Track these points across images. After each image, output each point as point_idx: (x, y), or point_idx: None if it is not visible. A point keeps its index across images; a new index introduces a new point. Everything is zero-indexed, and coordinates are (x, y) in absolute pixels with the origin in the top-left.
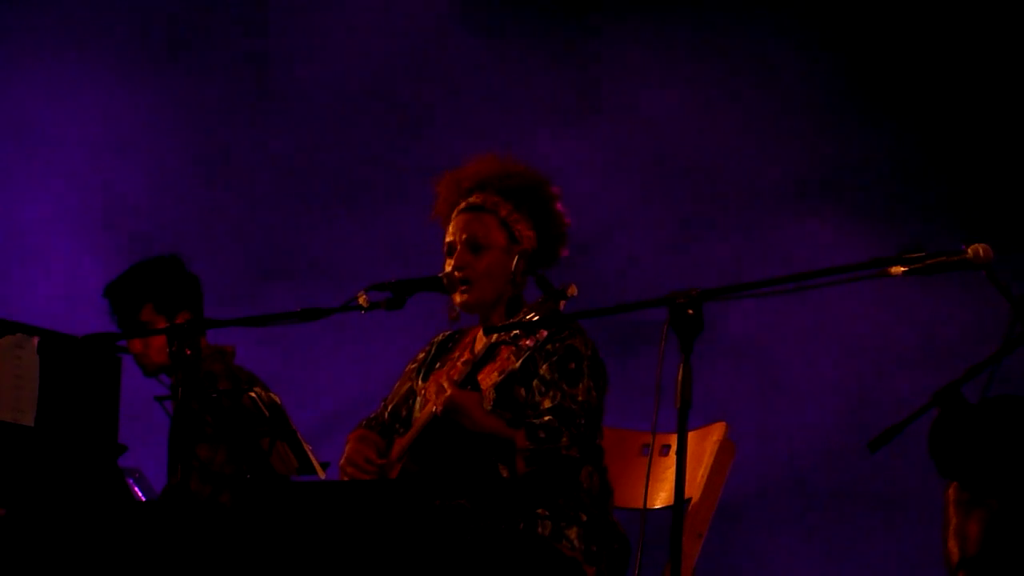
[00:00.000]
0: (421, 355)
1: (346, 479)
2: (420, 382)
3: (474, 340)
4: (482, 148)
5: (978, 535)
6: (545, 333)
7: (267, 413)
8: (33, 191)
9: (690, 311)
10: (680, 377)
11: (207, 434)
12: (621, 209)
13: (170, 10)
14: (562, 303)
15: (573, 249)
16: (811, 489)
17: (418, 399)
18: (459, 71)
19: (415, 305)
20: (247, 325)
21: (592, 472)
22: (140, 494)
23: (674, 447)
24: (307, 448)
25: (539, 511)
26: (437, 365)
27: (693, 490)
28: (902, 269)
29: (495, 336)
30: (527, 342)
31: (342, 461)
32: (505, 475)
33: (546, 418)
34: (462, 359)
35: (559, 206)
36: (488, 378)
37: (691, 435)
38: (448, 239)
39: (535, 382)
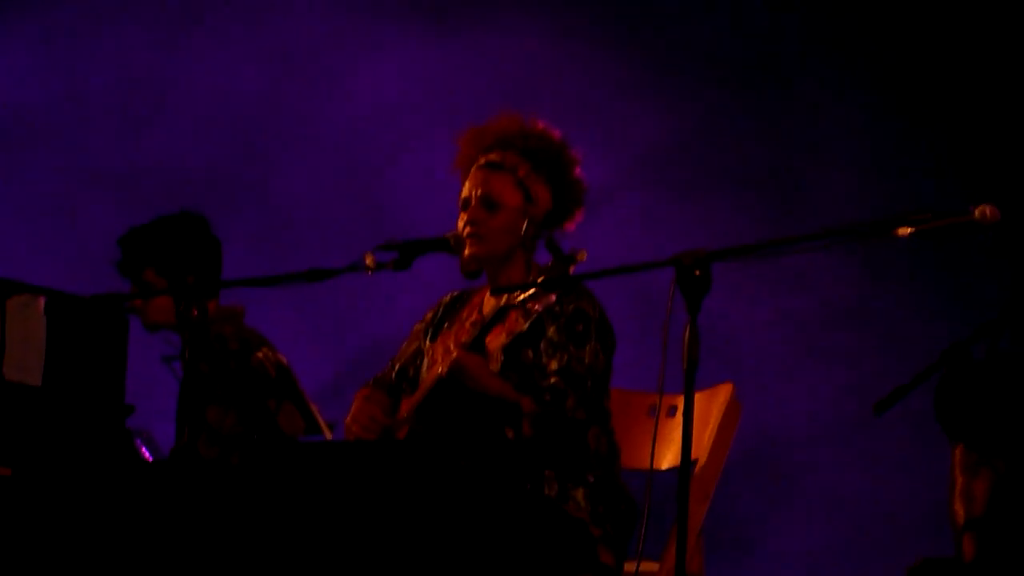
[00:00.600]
0: (429, 315)
1: (351, 437)
2: (428, 342)
3: (482, 301)
4: None
5: (984, 496)
6: (554, 297)
7: (274, 374)
8: None
9: (697, 271)
10: (687, 337)
11: (216, 396)
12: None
13: None
14: (571, 268)
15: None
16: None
17: (425, 359)
18: None
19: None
20: (253, 286)
21: (599, 434)
22: (148, 455)
23: (681, 408)
24: (314, 409)
25: (545, 472)
26: (445, 325)
27: (700, 451)
28: (909, 230)
29: (504, 298)
30: (535, 306)
31: (348, 419)
32: (511, 437)
33: (552, 380)
34: (470, 320)
35: (578, 171)
36: (496, 340)
37: (698, 396)
38: (464, 194)
39: (542, 344)
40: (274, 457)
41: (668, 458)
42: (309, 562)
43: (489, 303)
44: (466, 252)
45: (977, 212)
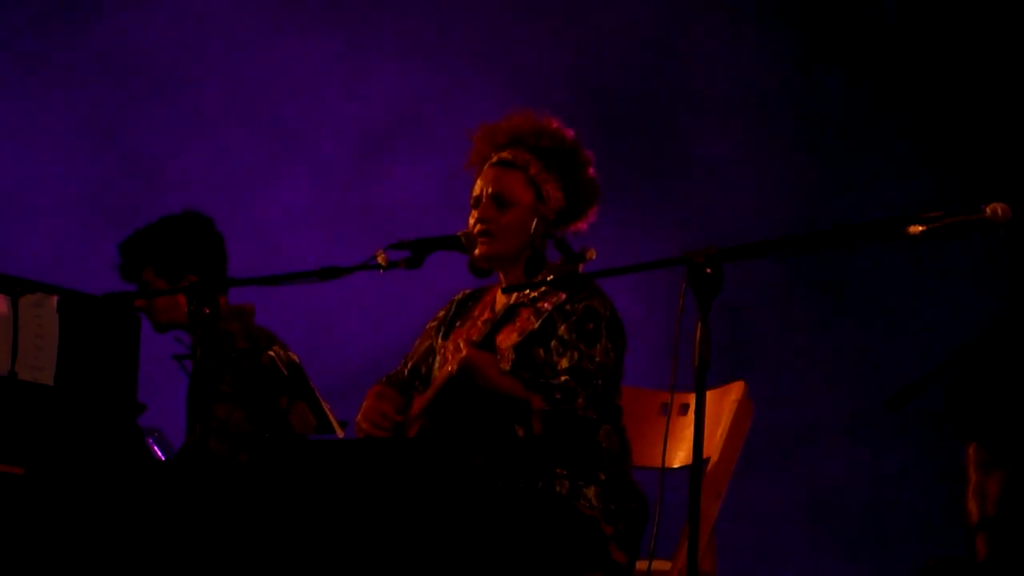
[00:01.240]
0: (441, 313)
1: (361, 435)
2: (440, 340)
3: (494, 299)
4: None
5: (997, 495)
6: (564, 295)
7: (285, 372)
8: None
9: (708, 270)
10: (698, 336)
11: (224, 393)
12: None
13: None
14: (581, 266)
15: None
16: None
17: (438, 357)
18: None
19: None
20: (264, 284)
21: (611, 431)
22: (160, 453)
23: (693, 406)
24: (325, 407)
25: (557, 470)
26: (457, 323)
27: (712, 450)
28: (920, 228)
29: (514, 296)
30: (545, 304)
31: (359, 416)
32: (521, 435)
33: (563, 379)
34: (482, 318)
35: (591, 170)
36: (507, 339)
37: (710, 394)
38: (475, 192)
39: (553, 343)
40: (283, 455)
41: (680, 456)
42: (320, 560)
43: (501, 301)
44: (476, 251)
45: (989, 210)
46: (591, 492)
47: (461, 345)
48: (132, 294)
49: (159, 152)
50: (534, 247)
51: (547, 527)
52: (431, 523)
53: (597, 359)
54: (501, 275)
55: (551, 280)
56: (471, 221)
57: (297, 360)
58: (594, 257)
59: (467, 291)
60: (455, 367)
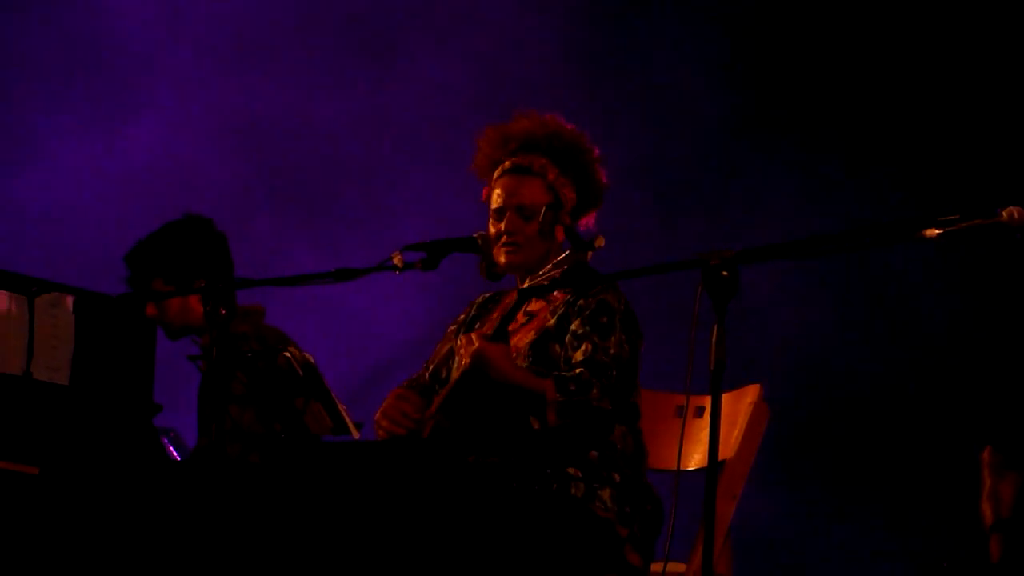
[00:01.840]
0: (462, 316)
1: (380, 433)
2: (459, 340)
3: (512, 301)
4: None
5: (1012, 498)
6: (570, 290)
7: (301, 373)
8: None
9: (724, 273)
10: (714, 339)
11: (236, 394)
12: None
13: None
14: (589, 254)
15: None
16: None
17: (456, 359)
18: None
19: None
20: (279, 285)
21: (626, 433)
22: (175, 453)
23: (708, 409)
24: (341, 408)
25: (571, 471)
26: (477, 326)
27: (727, 452)
28: (936, 232)
29: (527, 281)
30: (556, 295)
31: (377, 415)
32: (536, 427)
33: (577, 371)
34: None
35: (599, 166)
36: (524, 337)
37: (725, 397)
38: (496, 204)
39: (567, 337)
40: (295, 456)
41: (696, 458)
42: (332, 561)
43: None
44: (503, 259)
45: (1005, 214)
46: (606, 494)
47: (473, 338)
48: (147, 294)
49: None
50: (555, 247)
51: (562, 529)
52: (445, 525)
53: (612, 351)
54: (517, 277)
55: (562, 277)
56: (491, 229)
57: (312, 360)
58: (602, 245)
59: (487, 294)
60: (467, 359)
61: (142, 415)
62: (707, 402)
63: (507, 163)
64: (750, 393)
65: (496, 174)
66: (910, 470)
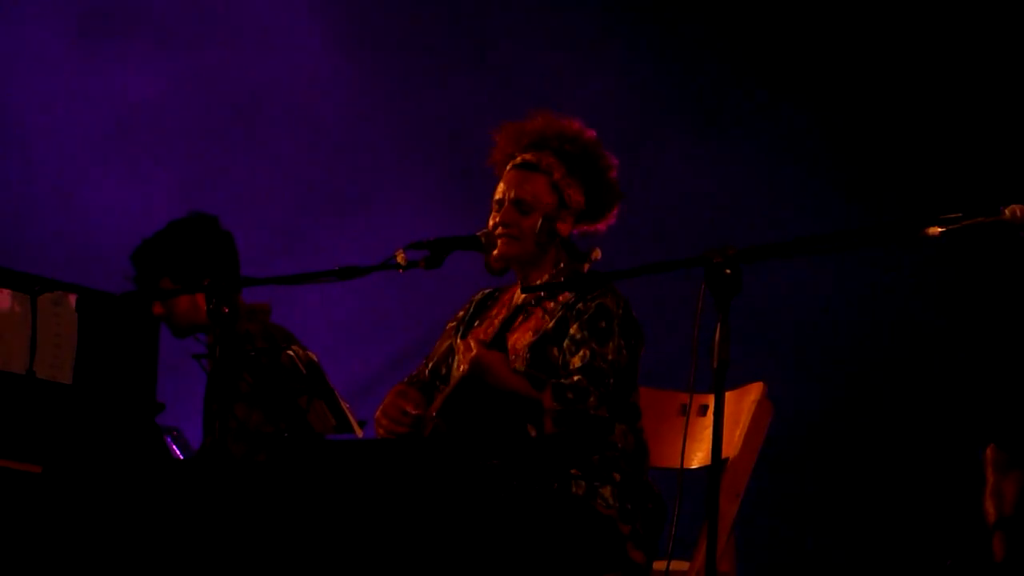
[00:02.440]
0: (461, 313)
1: (380, 430)
2: (459, 340)
3: (512, 299)
4: None
5: (1015, 496)
6: (571, 295)
7: (304, 371)
8: None
9: (727, 271)
10: (717, 337)
11: (243, 393)
12: None
13: None
14: (586, 266)
15: None
16: None
17: (457, 357)
18: None
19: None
20: (283, 283)
21: (627, 431)
22: (178, 452)
23: (712, 407)
24: (345, 406)
25: (572, 471)
26: (476, 323)
27: (730, 450)
28: (939, 230)
29: (523, 297)
30: (551, 305)
31: (377, 413)
32: (533, 435)
33: (575, 378)
34: (499, 317)
35: (614, 174)
36: (522, 339)
37: (729, 395)
38: (498, 195)
39: (566, 342)
40: (300, 455)
41: (699, 456)
42: (336, 560)
43: (518, 301)
44: (496, 251)
45: (1008, 212)
46: (607, 491)
47: (472, 344)
48: (150, 292)
49: None
50: (541, 246)
51: (564, 526)
52: (448, 523)
53: (610, 357)
54: (518, 275)
55: (564, 281)
56: (491, 222)
57: (316, 359)
58: (599, 258)
59: (486, 291)
60: (465, 366)
61: (145, 414)
62: (710, 400)
63: (517, 158)
64: (753, 391)
65: (507, 168)
66: (914, 468)
